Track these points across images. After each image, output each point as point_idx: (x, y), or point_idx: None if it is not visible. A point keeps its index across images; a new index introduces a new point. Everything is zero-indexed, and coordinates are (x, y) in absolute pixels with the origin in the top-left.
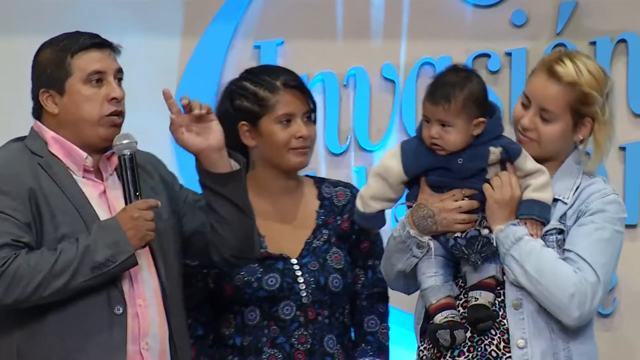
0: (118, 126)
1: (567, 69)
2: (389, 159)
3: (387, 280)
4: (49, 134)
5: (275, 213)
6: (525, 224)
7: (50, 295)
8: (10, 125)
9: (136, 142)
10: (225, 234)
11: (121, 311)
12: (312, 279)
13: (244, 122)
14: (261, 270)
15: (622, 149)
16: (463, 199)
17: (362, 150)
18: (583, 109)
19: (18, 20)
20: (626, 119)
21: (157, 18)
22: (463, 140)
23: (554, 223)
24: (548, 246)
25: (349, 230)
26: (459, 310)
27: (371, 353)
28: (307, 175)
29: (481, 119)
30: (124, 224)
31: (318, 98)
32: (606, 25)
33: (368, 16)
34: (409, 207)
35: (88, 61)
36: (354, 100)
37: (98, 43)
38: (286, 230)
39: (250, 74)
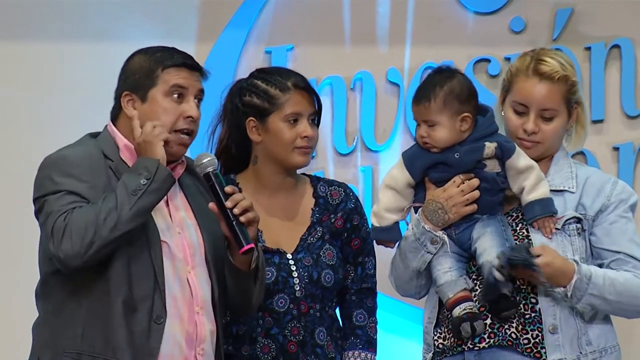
0: (185, 146)
1: (552, 66)
2: (393, 169)
3: (398, 286)
4: (122, 141)
5: (274, 208)
6: (537, 228)
7: (111, 236)
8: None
9: (216, 159)
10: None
11: (162, 321)
12: (305, 274)
13: (252, 118)
14: None
15: (616, 149)
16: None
17: (368, 150)
18: (572, 98)
19: (39, 25)
20: (619, 121)
21: (173, 24)
22: (450, 136)
23: (571, 212)
24: (569, 235)
25: (341, 228)
26: (476, 302)
27: (360, 346)
28: (304, 174)
29: (466, 114)
30: (141, 153)
31: (326, 101)
32: (600, 31)
33: (374, 23)
34: (418, 208)
35: (174, 76)
36: (361, 102)
37: (190, 64)
38: (283, 225)
39: (262, 73)
